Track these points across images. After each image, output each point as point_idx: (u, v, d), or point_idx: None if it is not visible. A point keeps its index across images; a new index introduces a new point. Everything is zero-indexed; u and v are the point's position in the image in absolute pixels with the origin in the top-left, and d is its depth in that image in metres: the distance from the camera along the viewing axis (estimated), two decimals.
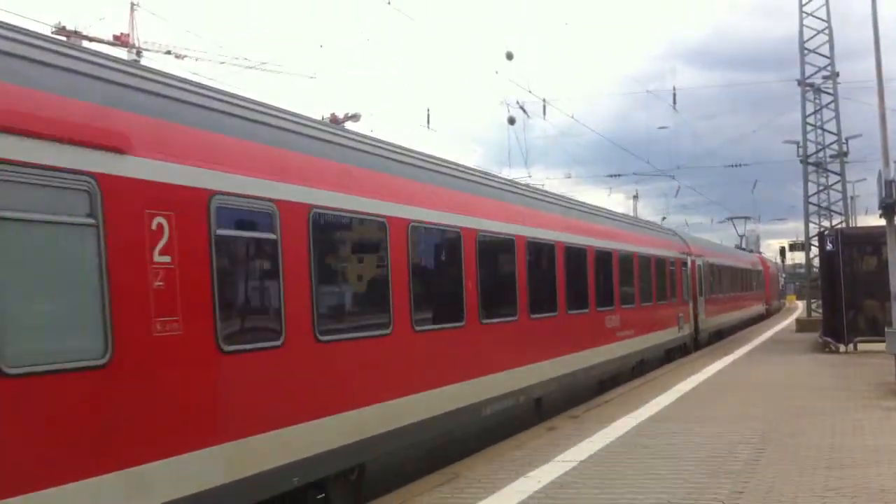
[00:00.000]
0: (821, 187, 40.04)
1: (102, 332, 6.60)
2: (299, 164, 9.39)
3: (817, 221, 39.68)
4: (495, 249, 14.56)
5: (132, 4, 75.10)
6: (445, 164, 14.30)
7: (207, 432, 7.60)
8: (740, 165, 57.73)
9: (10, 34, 6.68)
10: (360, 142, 11.48)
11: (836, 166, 39.53)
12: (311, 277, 9.19)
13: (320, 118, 16.48)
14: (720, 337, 37.01)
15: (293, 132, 9.73)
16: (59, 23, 66.33)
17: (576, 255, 18.39)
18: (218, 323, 7.76)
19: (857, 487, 9.48)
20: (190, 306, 7.46)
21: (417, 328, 11.45)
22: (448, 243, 12.85)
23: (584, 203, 23.27)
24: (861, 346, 26.65)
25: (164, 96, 7.90)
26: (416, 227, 11.59)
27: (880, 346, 21.69)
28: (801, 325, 39.43)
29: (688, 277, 30.81)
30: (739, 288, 46.68)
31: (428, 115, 47.08)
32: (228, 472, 7.74)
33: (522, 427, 14.54)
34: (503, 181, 17.70)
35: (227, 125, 8.52)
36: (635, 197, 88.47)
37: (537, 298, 15.83)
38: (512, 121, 40.48)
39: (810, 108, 39.21)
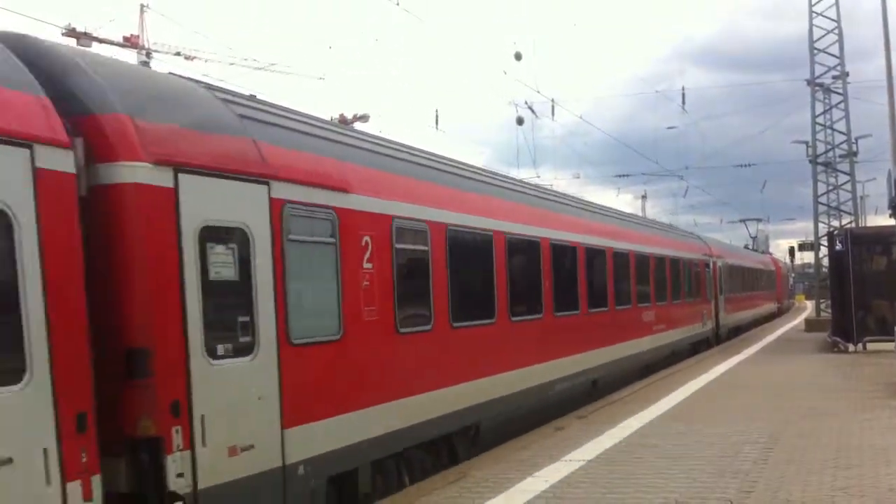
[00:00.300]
0: (830, 187, 39.90)
1: (338, 318, 9.75)
2: (439, 193, 12.80)
3: (827, 221, 39.53)
4: (565, 257, 17.72)
5: (142, 6, 75.27)
6: (526, 186, 19.01)
7: (390, 391, 10.74)
8: (749, 165, 57.67)
9: (291, 115, 10.38)
10: (465, 170, 15.16)
11: (845, 166, 39.39)
12: (447, 279, 12.37)
13: (329, 119, 17.83)
14: (737, 332, 39.57)
15: (435, 169, 13.35)
16: (69, 24, 66.51)
17: (621, 260, 21.48)
18: (396, 312, 10.91)
19: (865, 487, 9.48)
20: (381, 300, 10.60)
21: (512, 319, 14.63)
22: (532, 253, 16.08)
23: (628, 213, 29.09)
24: (870, 346, 26.56)
25: (366, 150, 11.47)
26: (510, 239, 14.78)
27: (889, 346, 21.66)
28: (810, 325, 39.33)
29: (710, 278, 33.73)
30: (754, 287, 49.91)
31: (436, 116, 47.08)
32: (402, 419, 10.93)
33: (582, 404, 17.27)
34: (574, 200, 22.36)
35: (399, 168, 11.99)
36: (644, 197, 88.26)
37: (594, 296, 19.10)
38: (520, 121, 40.57)
39: (820, 107, 39.06)
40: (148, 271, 7.41)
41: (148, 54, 72.53)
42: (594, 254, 19.48)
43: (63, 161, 6.61)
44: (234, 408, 8.11)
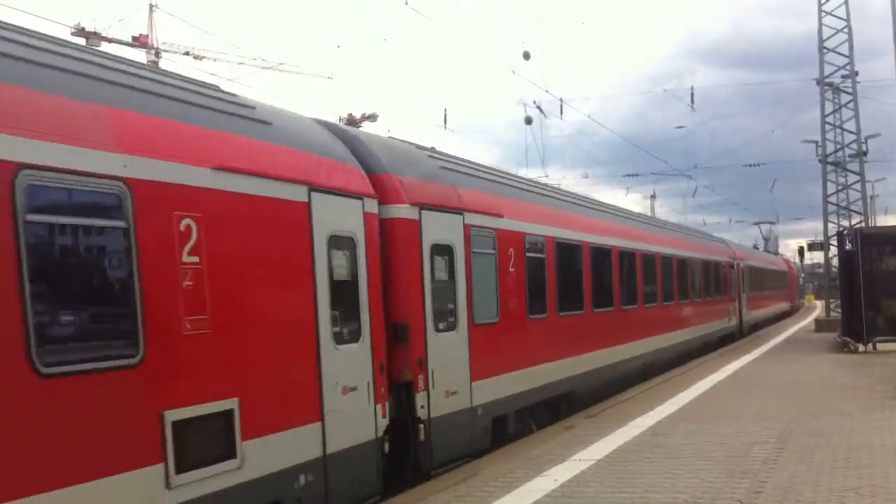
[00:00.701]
0: (840, 187, 39.73)
1: (496, 307, 13.87)
2: (550, 214, 17.20)
3: (836, 221, 39.39)
4: (628, 262, 21.83)
5: (151, 5, 75.42)
6: (599, 204, 23.96)
7: (520, 363, 14.60)
8: (758, 165, 57.13)
9: (467, 163, 15.06)
10: (562, 194, 20.89)
11: (855, 166, 39.22)
12: (556, 279, 16.48)
13: (337, 119, 19.76)
14: (756, 328, 43.76)
15: (547, 196, 18.40)
16: (79, 24, 66.75)
17: (668, 263, 25.98)
18: (528, 303, 14.93)
19: (875, 487, 9.46)
20: (518, 295, 14.66)
21: (594, 310, 18.74)
22: (606, 259, 20.13)
23: (673, 223, 36.05)
24: (880, 346, 26.49)
25: (510, 186, 16.23)
26: (592, 248, 18.93)
27: None
28: (820, 325, 39.23)
29: (735, 278, 38.11)
30: (771, 287, 55.18)
31: (445, 115, 47.16)
32: (525, 385, 14.72)
33: (635, 382, 20.80)
34: (632, 213, 28.17)
35: (527, 197, 16.59)
36: (653, 197, 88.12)
37: (648, 293, 23.42)
38: (529, 120, 40.49)
39: (829, 107, 38.89)
40: (405, 275, 11.42)
41: (157, 54, 72.75)
42: (648, 259, 23.76)
43: (373, 205, 10.72)
44: (447, 365, 12.07)
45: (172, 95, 8.15)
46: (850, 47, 37.88)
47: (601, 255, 19.68)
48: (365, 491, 10.17)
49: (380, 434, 10.47)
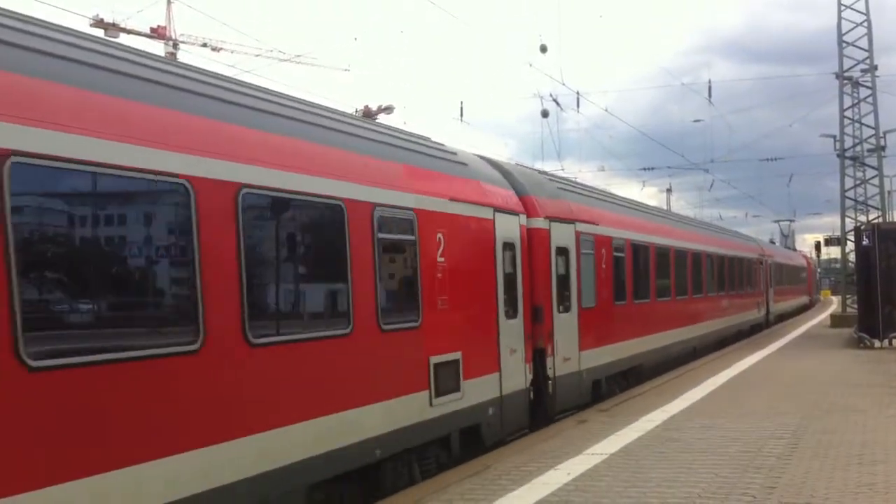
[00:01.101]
0: (858, 182, 39.47)
1: (594, 295, 17.62)
2: (630, 221, 21.57)
3: (854, 216, 39.15)
4: (682, 260, 26.25)
5: None
6: (664, 212, 33.10)
7: (609, 339, 18.40)
8: (776, 159, 56.82)
9: (573, 183, 20.57)
10: (635, 203, 25.79)
11: (873, 160, 38.94)
12: (633, 273, 20.75)
13: (353, 111, 20.75)
14: (781, 319, 47.78)
15: (625, 206, 22.86)
16: (97, 15, 67.04)
17: (712, 261, 30.48)
18: (613, 292, 18.97)
19: (890, 483, 9.42)
20: (608, 286, 18.64)
21: (658, 299, 23.05)
22: (665, 257, 24.37)
23: (714, 224, 43.60)
24: None
25: (599, 199, 20.58)
26: (657, 249, 23.28)
27: None
28: (836, 321, 39.05)
29: (764, 273, 42.69)
30: (793, 282, 60.19)
31: (461, 108, 47.09)
32: (611, 357, 18.49)
33: (685, 362, 24.73)
34: (683, 218, 35.36)
35: (610, 207, 20.67)
36: (668, 190, 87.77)
37: (696, 287, 27.62)
38: (545, 113, 40.40)
39: (848, 101, 38.63)
40: (541, 270, 15.23)
41: (175, 45, 72.96)
42: (697, 257, 27.97)
43: (523, 220, 14.67)
44: (564, 338, 15.87)
45: (423, 151, 12.44)
46: (870, 41, 37.61)
47: (663, 254, 24.15)
48: (520, 424, 14.11)
49: (528, 385, 14.47)
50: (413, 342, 10.97)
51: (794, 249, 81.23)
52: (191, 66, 9.24)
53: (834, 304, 63.64)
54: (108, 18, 68.48)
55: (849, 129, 38.89)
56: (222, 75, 9.57)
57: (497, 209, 13.59)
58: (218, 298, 7.71)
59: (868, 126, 38.55)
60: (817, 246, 68.69)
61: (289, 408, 8.65)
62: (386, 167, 10.84)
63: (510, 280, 13.91)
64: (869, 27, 37.45)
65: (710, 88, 47.37)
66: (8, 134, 6.01)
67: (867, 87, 38.23)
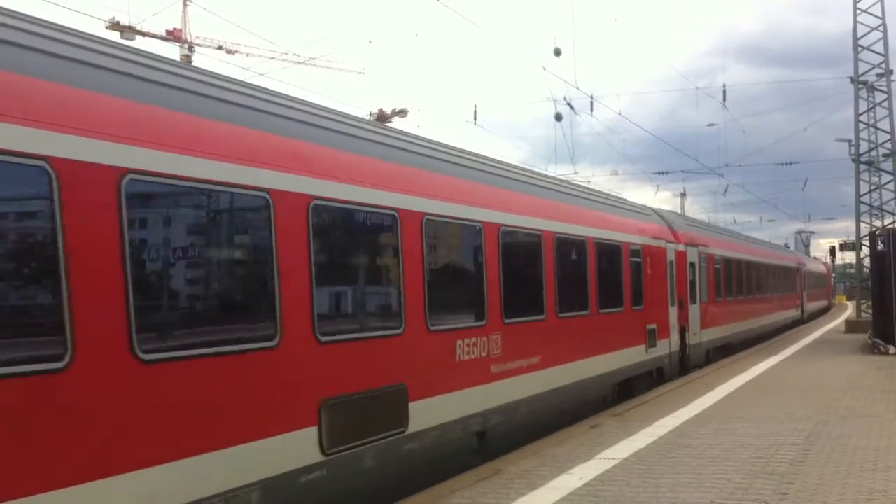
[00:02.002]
0: (873, 186, 39.30)
1: (706, 293, 26.81)
2: (714, 240, 29.86)
3: (869, 221, 38.96)
4: (745, 269, 34.26)
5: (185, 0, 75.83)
6: (737, 234, 44.06)
7: (714, 323, 27.61)
8: (790, 163, 56.62)
9: (672, 214, 28.85)
10: (723, 229, 39.95)
11: (888, 165, 38.70)
12: (724, 278, 29.73)
13: (368, 114, 21.08)
14: (812, 317, 56.70)
15: (720, 232, 35.14)
16: (113, 18, 67.37)
17: (772, 270, 41.17)
18: (715, 291, 28.30)
19: None
20: (712, 286, 27.98)
21: (739, 297, 32.09)
22: (746, 267, 33.96)
23: (770, 243, 53.66)
24: None
25: (703, 228, 31.96)
26: (736, 260, 32.18)
27: None
28: (850, 326, 38.87)
29: (800, 279, 53.32)
30: (816, 286, 69.33)
31: (475, 111, 47.06)
32: (714, 335, 27.71)
33: (755, 343, 33.42)
34: (749, 238, 45.40)
35: (712, 232, 32.16)
36: (682, 194, 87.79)
37: (759, 288, 37.43)
38: (559, 117, 40.40)
39: (863, 105, 38.46)
40: (681, 277, 23.69)
41: (190, 48, 73.27)
42: (761, 267, 38.11)
43: (676, 246, 23.30)
44: (693, 322, 24.65)
45: (611, 203, 20.40)
46: (885, 45, 37.43)
47: (743, 266, 33.40)
48: (675, 372, 22.51)
49: (678, 348, 22.94)
50: (638, 317, 19.65)
51: (815, 257, 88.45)
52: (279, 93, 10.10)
53: (848, 309, 63.38)
54: (123, 21, 68.75)
55: (864, 134, 38.71)
56: (307, 101, 10.55)
57: (665, 241, 22.10)
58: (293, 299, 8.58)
59: (883, 131, 38.37)
60: (832, 251, 68.66)
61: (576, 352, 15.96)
62: (572, 208, 17.31)
63: (670, 283, 22.38)
64: (884, 31, 37.28)
65: (724, 92, 47.21)
66: (124, 153, 6.82)
67: (883, 92, 38.05)
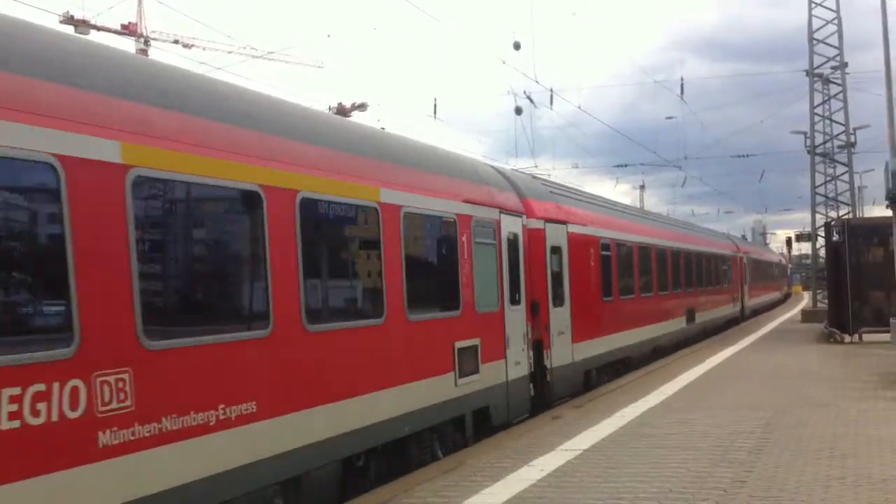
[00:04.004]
0: (828, 178, 39.87)
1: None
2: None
3: (824, 212, 39.52)
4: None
5: None
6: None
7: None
8: (748, 156, 57.32)
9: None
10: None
11: (843, 157, 39.33)
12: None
13: (327, 108, 20.70)
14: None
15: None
16: (67, 12, 66.26)
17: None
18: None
19: (859, 476, 9.50)
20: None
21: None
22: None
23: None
24: (866, 337, 26.63)
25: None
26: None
27: (885, 337, 21.75)
28: (807, 316, 39.42)
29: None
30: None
31: (435, 105, 46.82)
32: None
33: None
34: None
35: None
36: (642, 187, 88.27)
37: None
38: (519, 111, 40.33)
39: (818, 98, 38.96)
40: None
41: (146, 42, 72.32)
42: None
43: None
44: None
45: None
46: (840, 38, 37.94)
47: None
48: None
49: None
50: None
51: (766, 245, 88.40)
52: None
53: (805, 299, 64.28)
54: (78, 15, 67.69)
55: (819, 126, 39.26)
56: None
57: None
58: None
59: (838, 123, 38.94)
60: (788, 242, 69.59)
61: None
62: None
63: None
64: (839, 24, 37.79)
65: (682, 86, 47.68)
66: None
67: (837, 85, 38.59)
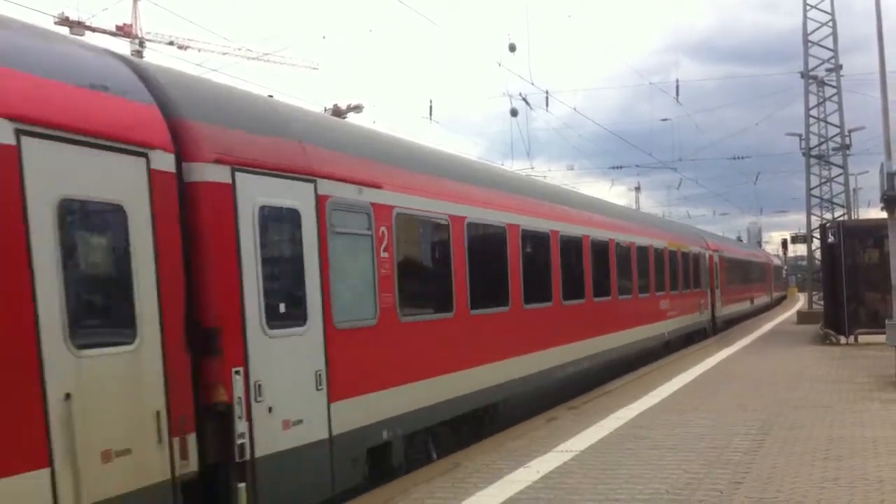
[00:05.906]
0: (823, 180, 39.99)
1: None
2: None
3: (819, 214, 39.62)
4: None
5: None
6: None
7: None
8: (743, 158, 57.63)
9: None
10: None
11: (838, 159, 39.45)
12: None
13: (322, 110, 20.81)
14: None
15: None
16: (62, 13, 66.18)
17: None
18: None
19: (855, 478, 9.52)
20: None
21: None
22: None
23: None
24: (862, 339, 26.69)
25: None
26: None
27: (881, 339, 21.74)
28: (802, 317, 39.48)
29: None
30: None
31: (430, 107, 46.97)
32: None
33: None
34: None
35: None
36: (637, 189, 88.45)
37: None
38: (514, 113, 40.46)
39: (813, 100, 39.09)
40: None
41: (141, 43, 72.19)
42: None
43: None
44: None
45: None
46: (835, 41, 38.07)
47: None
48: None
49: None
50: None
51: (760, 246, 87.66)
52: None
53: (800, 301, 64.41)
54: (73, 16, 67.60)
55: (814, 128, 39.38)
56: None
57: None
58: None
59: (833, 125, 39.04)
60: (784, 243, 69.71)
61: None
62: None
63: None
64: (834, 27, 37.92)
65: (677, 88, 47.67)
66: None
67: (832, 87, 38.70)
